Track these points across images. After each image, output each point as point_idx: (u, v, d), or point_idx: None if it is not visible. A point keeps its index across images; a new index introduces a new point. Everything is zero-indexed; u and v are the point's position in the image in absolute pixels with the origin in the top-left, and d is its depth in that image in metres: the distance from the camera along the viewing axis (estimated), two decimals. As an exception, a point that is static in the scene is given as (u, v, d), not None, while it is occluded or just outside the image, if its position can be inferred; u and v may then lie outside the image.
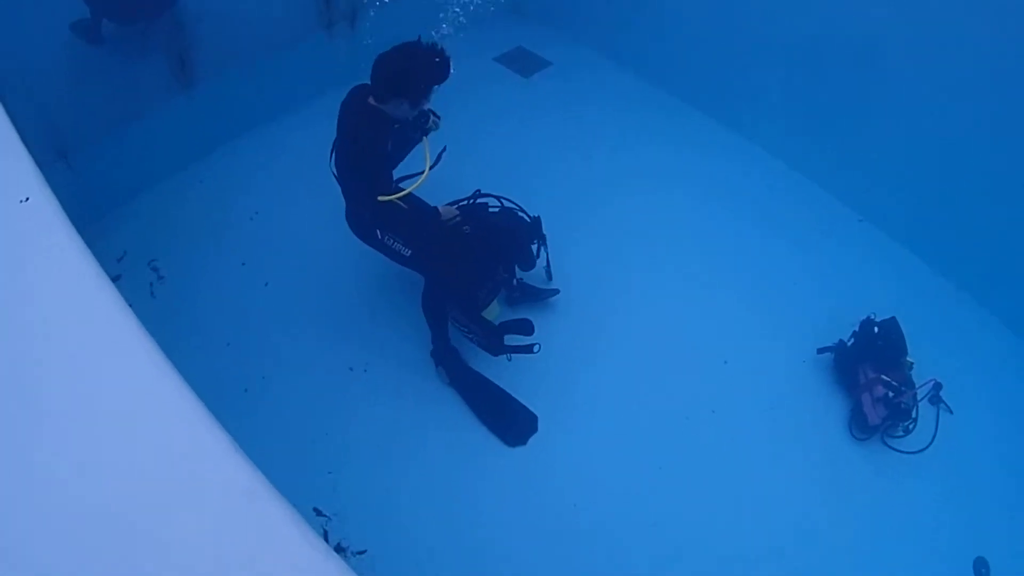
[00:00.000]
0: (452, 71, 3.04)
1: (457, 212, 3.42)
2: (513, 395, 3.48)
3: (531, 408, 3.45)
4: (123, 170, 4.09)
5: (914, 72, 4.10)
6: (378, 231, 3.34)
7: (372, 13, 4.75)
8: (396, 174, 3.23)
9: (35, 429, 1.11)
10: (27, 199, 1.39)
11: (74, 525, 1.01)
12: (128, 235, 3.99)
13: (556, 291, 3.91)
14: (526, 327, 3.44)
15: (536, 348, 3.42)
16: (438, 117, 3.32)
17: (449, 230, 3.41)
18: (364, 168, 3.07)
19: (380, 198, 3.02)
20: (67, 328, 1.23)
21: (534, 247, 3.74)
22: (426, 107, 3.17)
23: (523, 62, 5.72)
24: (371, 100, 3.06)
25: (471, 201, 3.65)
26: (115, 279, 3.80)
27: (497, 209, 3.70)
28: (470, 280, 3.47)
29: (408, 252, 3.34)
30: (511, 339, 3.44)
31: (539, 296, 3.88)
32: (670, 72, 5.46)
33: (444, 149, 3.31)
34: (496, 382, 3.52)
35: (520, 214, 3.71)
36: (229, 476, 1.07)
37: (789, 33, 4.55)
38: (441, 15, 4.06)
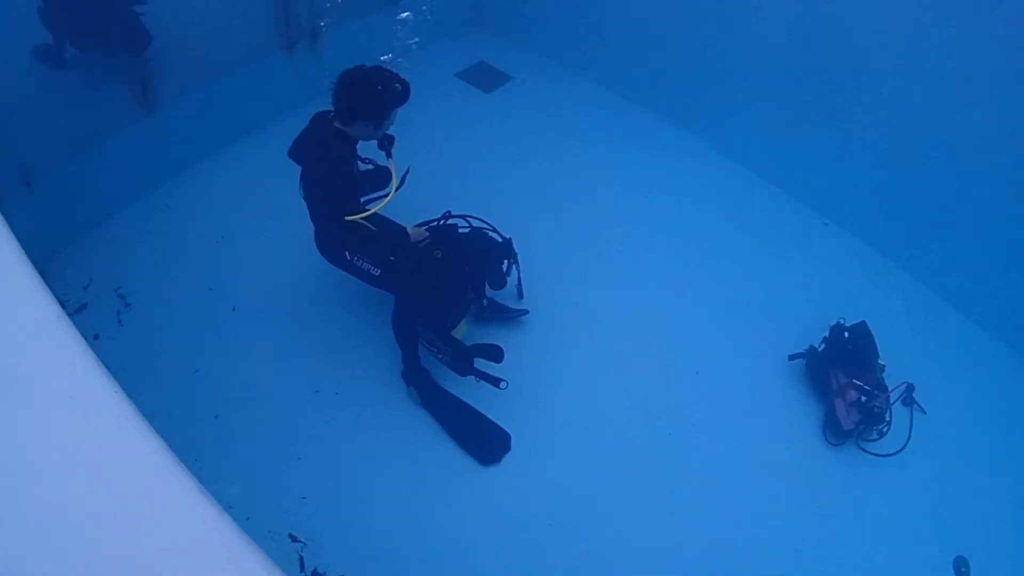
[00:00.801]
0: (411, 92, 3.11)
1: (427, 233, 3.42)
2: (485, 414, 3.46)
3: (504, 427, 3.43)
4: (87, 196, 4.03)
5: (872, 71, 4.17)
6: (347, 252, 3.37)
7: (332, 33, 4.75)
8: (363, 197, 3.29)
9: None
10: None
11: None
12: (94, 262, 3.93)
13: (525, 311, 3.90)
14: (496, 353, 3.44)
15: (503, 385, 3.38)
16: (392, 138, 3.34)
17: (419, 251, 3.42)
18: (332, 189, 3.13)
19: (348, 218, 3.06)
20: (24, 371, 1.22)
21: (504, 266, 3.73)
22: (389, 128, 3.22)
23: (484, 76, 5.74)
24: (336, 123, 3.13)
25: (441, 222, 3.64)
26: (81, 307, 3.80)
27: (467, 229, 3.69)
28: (440, 300, 3.46)
29: (377, 272, 3.37)
30: (480, 364, 3.44)
31: (509, 315, 3.88)
32: (631, 80, 5.51)
33: (408, 170, 3.39)
34: (468, 401, 3.50)
35: (491, 234, 3.70)
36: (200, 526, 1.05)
37: (749, 36, 4.62)
38: (398, 29, 4.04)
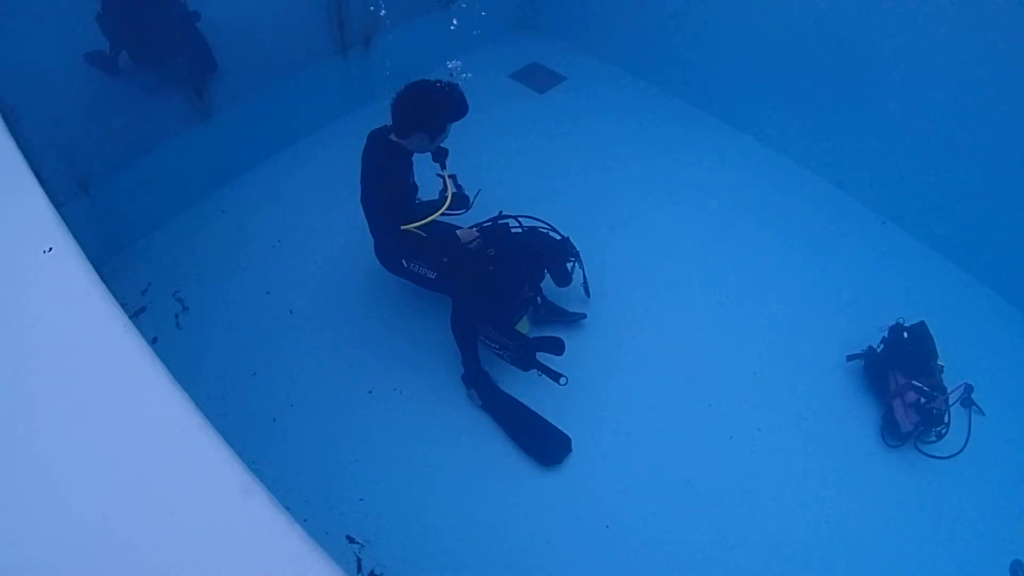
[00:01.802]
0: (466, 92, 3.18)
1: (477, 234, 3.43)
2: (545, 417, 3.46)
3: (564, 430, 3.42)
4: (144, 201, 4.09)
5: (942, 72, 4.09)
6: (404, 260, 3.46)
7: (387, 37, 4.77)
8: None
9: (65, 481, 1.11)
10: (50, 249, 1.39)
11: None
12: (152, 266, 4.00)
13: (583, 315, 3.90)
14: (557, 346, 3.46)
15: (563, 381, 3.39)
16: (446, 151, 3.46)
17: (470, 252, 3.45)
18: (387, 199, 3.23)
19: (403, 227, 3.16)
20: (95, 380, 1.24)
21: (569, 265, 3.74)
22: (443, 142, 3.33)
23: (538, 77, 5.74)
24: (392, 136, 3.22)
25: (493, 223, 3.65)
26: (140, 311, 3.86)
27: (519, 229, 3.70)
28: (497, 296, 3.46)
29: (433, 275, 3.44)
30: (542, 357, 3.45)
31: (565, 318, 3.88)
32: (685, 80, 5.48)
33: (479, 192, 3.55)
34: (527, 405, 3.50)
35: (548, 233, 3.71)
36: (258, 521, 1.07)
37: (808, 37, 4.56)
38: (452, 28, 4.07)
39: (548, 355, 3.48)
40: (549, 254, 3.66)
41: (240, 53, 4.24)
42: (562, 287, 3.80)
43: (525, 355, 3.40)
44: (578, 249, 3.74)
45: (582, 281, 3.85)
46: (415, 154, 3.35)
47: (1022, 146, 3.93)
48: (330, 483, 3.19)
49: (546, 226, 3.72)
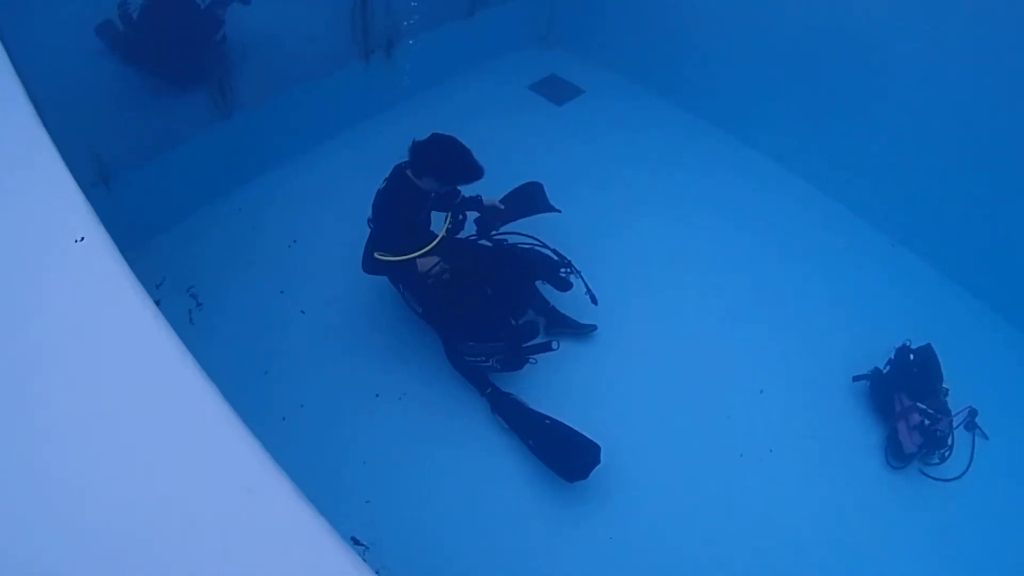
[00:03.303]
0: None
1: (436, 261, 3.42)
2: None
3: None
4: (163, 196, 4.12)
5: (954, 100, 4.11)
6: (400, 285, 3.61)
7: (409, 42, 4.81)
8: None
9: (97, 460, 1.14)
10: (82, 239, 1.41)
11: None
12: (167, 261, 4.02)
13: (593, 327, 3.92)
14: (535, 336, 3.54)
15: (555, 345, 3.49)
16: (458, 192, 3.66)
17: (431, 280, 3.47)
18: (382, 222, 3.39)
19: (376, 254, 3.34)
20: (128, 367, 1.27)
21: (564, 273, 3.76)
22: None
23: (556, 89, 5.77)
24: (408, 171, 3.35)
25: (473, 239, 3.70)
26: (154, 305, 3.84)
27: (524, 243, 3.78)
28: (476, 319, 3.49)
29: (420, 310, 3.59)
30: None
31: (577, 330, 3.91)
32: (701, 96, 5.50)
33: (464, 217, 3.63)
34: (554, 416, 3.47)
35: (536, 248, 3.77)
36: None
37: (822, 57, 4.59)
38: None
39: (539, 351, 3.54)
40: (539, 270, 3.72)
41: (264, 55, 4.30)
42: (563, 291, 3.82)
43: (513, 354, 3.44)
44: (581, 259, 3.77)
45: (586, 291, 3.84)
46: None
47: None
48: (337, 484, 3.21)
49: (534, 241, 3.77)
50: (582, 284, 3.80)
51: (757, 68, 5.01)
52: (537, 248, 3.75)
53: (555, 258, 3.73)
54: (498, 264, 3.61)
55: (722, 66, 5.23)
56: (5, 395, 1.20)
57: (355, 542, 2.99)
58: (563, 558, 3.12)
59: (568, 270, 3.76)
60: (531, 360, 3.50)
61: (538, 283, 3.83)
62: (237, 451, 1.16)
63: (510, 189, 3.96)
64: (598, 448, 3.24)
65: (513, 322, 3.52)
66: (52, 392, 1.22)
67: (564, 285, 3.77)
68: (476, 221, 3.80)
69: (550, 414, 3.41)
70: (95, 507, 1.09)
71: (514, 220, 3.88)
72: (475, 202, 3.77)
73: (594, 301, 3.88)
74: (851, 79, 4.52)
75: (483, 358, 3.51)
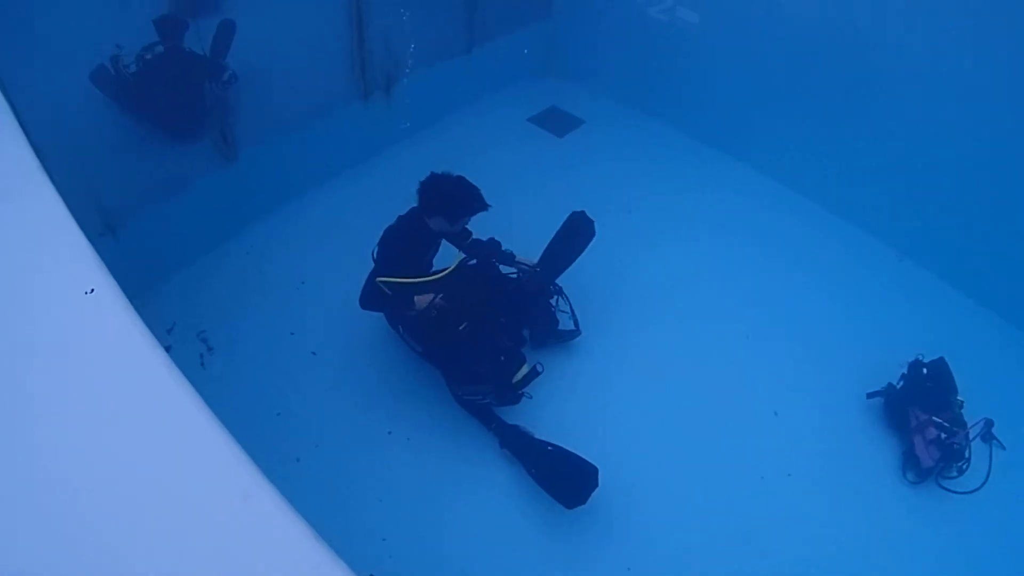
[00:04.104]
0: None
1: (429, 298, 3.43)
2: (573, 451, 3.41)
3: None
4: (170, 241, 4.15)
5: (957, 105, 4.13)
6: (400, 327, 3.67)
7: (407, 82, 4.86)
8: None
9: (112, 512, 1.15)
10: (92, 291, 1.42)
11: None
12: (177, 306, 4.04)
13: (577, 332, 3.95)
14: (531, 374, 3.51)
15: (540, 368, 3.47)
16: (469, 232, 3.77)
17: (429, 316, 3.48)
18: (385, 252, 3.41)
19: (378, 279, 3.32)
20: (138, 413, 1.28)
21: (553, 301, 3.85)
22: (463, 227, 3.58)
23: (557, 121, 5.82)
24: (418, 211, 3.43)
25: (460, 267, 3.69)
26: (165, 351, 3.84)
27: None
28: (475, 356, 3.50)
29: (420, 348, 3.64)
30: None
31: (561, 338, 3.95)
32: (703, 121, 5.55)
33: (462, 258, 3.64)
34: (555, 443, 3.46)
35: (523, 275, 3.84)
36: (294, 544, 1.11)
37: (818, 75, 4.63)
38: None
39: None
40: (528, 298, 3.77)
41: (264, 97, 4.33)
42: (554, 328, 3.92)
43: (504, 387, 3.45)
44: (584, 285, 3.83)
45: (571, 314, 3.92)
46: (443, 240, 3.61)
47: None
48: (353, 522, 3.20)
49: (522, 268, 3.84)
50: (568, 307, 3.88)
51: (753, 88, 5.06)
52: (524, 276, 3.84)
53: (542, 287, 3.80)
54: (494, 301, 3.66)
55: (719, 89, 5.28)
56: (18, 449, 1.22)
57: (372, 579, 3.00)
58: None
59: (556, 296, 3.85)
60: (526, 395, 3.50)
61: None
62: (252, 495, 1.16)
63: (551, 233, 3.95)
64: (595, 470, 3.21)
65: (501, 358, 3.52)
66: (67, 443, 1.23)
67: (553, 320, 3.91)
68: (526, 282, 3.85)
69: (558, 442, 3.40)
70: (110, 557, 1.10)
71: (571, 262, 3.89)
72: (506, 256, 3.83)
73: (576, 328, 3.94)
74: (848, 97, 4.56)
75: (480, 396, 3.54)
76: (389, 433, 3.59)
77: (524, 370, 3.48)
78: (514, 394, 3.47)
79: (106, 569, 1.08)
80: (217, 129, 4.18)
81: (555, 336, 3.94)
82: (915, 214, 4.58)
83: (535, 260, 3.83)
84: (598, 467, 3.22)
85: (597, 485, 3.19)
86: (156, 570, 1.08)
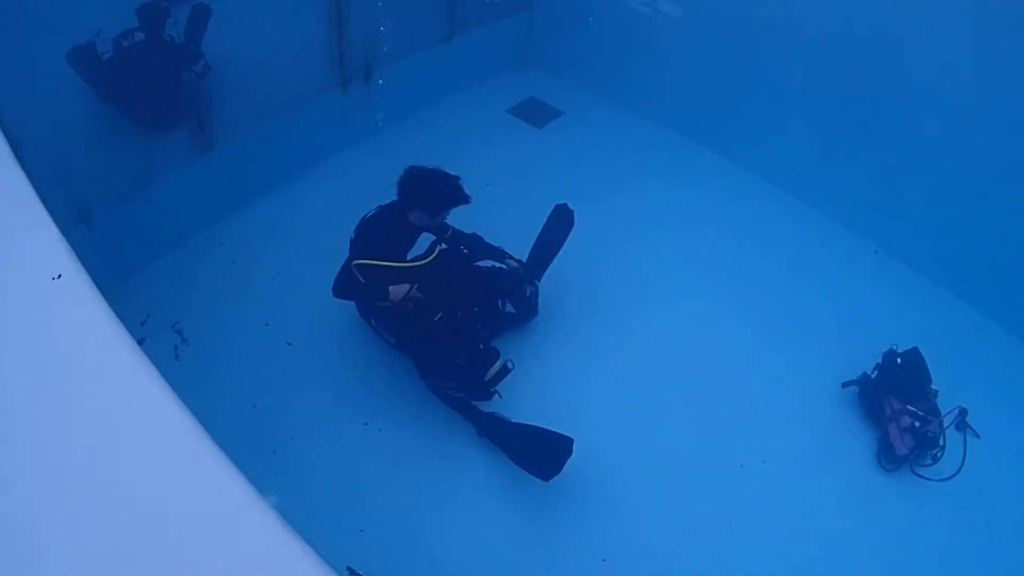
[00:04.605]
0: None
1: (405, 288, 3.42)
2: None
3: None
4: (144, 232, 4.11)
5: (928, 101, 4.18)
6: (372, 320, 3.68)
7: (385, 70, 4.83)
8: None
9: (71, 501, 1.12)
10: (59, 276, 1.40)
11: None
12: (151, 298, 3.98)
13: (534, 314, 3.98)
14: (498, 363, 3.49)
15: (511, 365, 3.45)
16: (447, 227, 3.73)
17: (402, 307, 3.48)
18: (361, 237, 3.42)
19: (355, 261, 3.32)
20: (105, 404, 1.24)
21: (528, 291, 3.85)
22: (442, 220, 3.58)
23: (536, 112, 5.82)
24: (398, 204, 3.42)
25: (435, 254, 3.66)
26: (139, 343, 3.79)
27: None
28: (450, 348, 3.50)
29: (393, 340, 3.65)
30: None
31: (515, 320, 3.96)
32: (681, 113, 5.57)
33: (441, 247, 3.60)
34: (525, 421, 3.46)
35: (501, 264, 3.85)
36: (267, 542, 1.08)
37: (796, 71, 4.67)
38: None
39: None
40: (503, 286, 3.78)
41: (241, 87, 4.29)
42: (531, 319, 3.93)
43: (476, 386, 3.45)
44: (565, 277, 3.87)
45: (535, 295, 3.93)
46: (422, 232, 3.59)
47: (1007, 172, 4.01)
48: (330, 514, 3.18)
49: (501, 258, 3.85)
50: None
51: (732, 82, 5.09)
52: (504, 268, 3.84)
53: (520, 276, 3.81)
54: (469, 291, 3.67)
55: (698, 81, 5.31)
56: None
57: (351, 572, 2.97)
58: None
59: (532, 288, 3.86)
60: (497, 393, 3.49)
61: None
62: (223, 487, 1.13)
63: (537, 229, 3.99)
64: (570, 441, 3.20)
65: (480, 347, 3.52)
66: (27, 429, 1.20)
67: (531, 311, 3.90)
68: (515, 272, 3.86)
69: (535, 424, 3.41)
70: (74, 550, 1.06)
71: (555, 254, 3.94)
72: (494, 252, 3.84)
73: (534, 312, 3.97)
74: (825, 90, 4.61)
75: (452, 390, 3.53)
76: (365, 424, 3.57)
77: (497, 366, 3.47)
78: (486, 392, 3.46)
79: (66, 562, 1.06)
80: (193, 118, 4.13)
81: (509, 322, 3.95)
82: (890, 207, 4.62)
83: (519, 256, 3.86)
84: (573, 439, 3.21)
85: (571, 454, 3.17)
86: (124, 563, 1.06)
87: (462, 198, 3.37)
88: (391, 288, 3.38)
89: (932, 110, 4.18)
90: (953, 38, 3.96)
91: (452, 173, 3.39)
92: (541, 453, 3.26)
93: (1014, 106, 3.87)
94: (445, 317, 3.52)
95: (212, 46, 4.04)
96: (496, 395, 3.49)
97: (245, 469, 1.15)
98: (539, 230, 3.94)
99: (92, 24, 3.63)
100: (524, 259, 3.87)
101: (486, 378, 3.42)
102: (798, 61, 4.64)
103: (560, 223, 3.92)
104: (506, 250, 3.87)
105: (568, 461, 3.16)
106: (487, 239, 3.89)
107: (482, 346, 3.53)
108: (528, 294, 3.87)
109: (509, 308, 3.89)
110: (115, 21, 3.77)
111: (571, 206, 3.92)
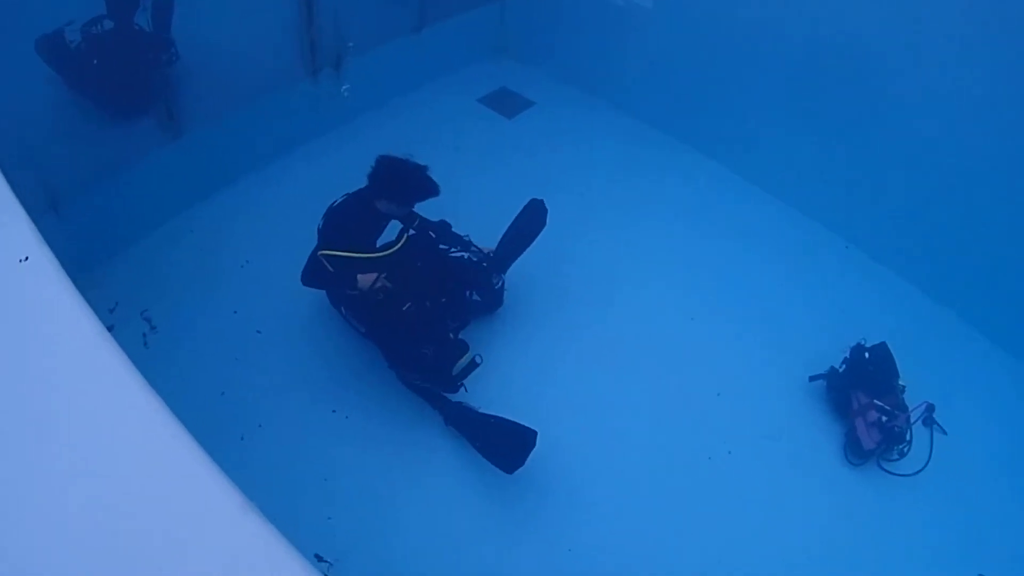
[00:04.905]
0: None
1: (372, 277, 3.42)
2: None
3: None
4: (113, 220, 4.08)
5: (899, 96, 4.19)
6: (342, 307, 3.68)
7: (355, 59, 4.81)
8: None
9: (42, 485, 1.12)
10: (26, 258, 1.39)
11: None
12: (120, 285, 3.96)
13: (498, 304, 3.99)
14: (465, 354, 3.49)
15: (479, 359, 3.46)
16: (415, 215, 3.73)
17: (371, 296, 3.47)
18: (328, 226, 3.43)
19: (321, 252, 3.34)
20: (71, 383, 1.24)
21: (495, 282, 3.84)
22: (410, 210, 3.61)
23: (507, 102, 5.81)
24: (366, 192, 3.43)
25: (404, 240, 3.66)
26: (108, 330, 3.78)
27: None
28: (419, 338, 3.48)
29: (363, 329, 3.63)
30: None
31: (481, 309, 3.97)
32: (652, 106, 5.59)
33: (409, 233, 3.64)
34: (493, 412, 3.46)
35: (467, 254, 3.84)
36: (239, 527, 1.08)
37: (768, 65, 4.67)
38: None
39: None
40: (469, 277, 3.77)
41: (210, 74, 4.26)
42: (496, 309, 3.95)
43: (444, 379, 3.43)
44: (535, 268, 3.88)
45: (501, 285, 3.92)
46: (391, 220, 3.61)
47: (975, 171, 4.03)
48: (298, 502, 3.18)
49: (470, 246, 3.84)
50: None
51: (703, 74, 5.11)
52: (471, 258, 3.83)
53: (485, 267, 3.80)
54: (438, 281, 3.65)
55: (669, 74, 5.32)
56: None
57: (319, 559, 2.98)
58: (525, 571, 3.10)
59: (499, 280, 3.84)
60: (463, 386, 3.47)
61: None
62: (191, 472, 1.13)
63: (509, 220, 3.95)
64: (533, 433, 3.20)
65: (450, 336, 3.53)
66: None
67: (496, 301, 3.91)
68: (486, 263, 3.83)
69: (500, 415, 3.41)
70: (40, 538, 1.06)
71: (523, 250, 3.91)
72: (461, 240, 3.84)
73: (499, 302, 3.99)
74: (795, 84, 4.62)
75: (419, 381, 3.54)
76: (333, 412, 3.57)
77: (465, 360, 3.47)
78: (452, 385, 3.45)
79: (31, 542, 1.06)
80: (162, 106, 4.10)
81: (480, 309, 3.96)
82: (862, 204, 4.65)
83: (488, 247, 3.84)
84: (537, 431, 3.21)
85: (534, 446, 3.17)
86: (91, 547, 1.06)
87: (432, 190, 3.39)
88: (359, 276, 3.37)
89: (905, 110, 4.19)
90: (925, 42, 3.98)
91: (421, 163, 3.40)
92: (505, 445, 3.27)
93: (984, 107, 3.89)
94: (414, 307, 3.50)
95: (182, 33, 4.02)
96: (463, 388, 3.47)
97: (214, 455, 1.15)
98: (510, 221, 3.91)
99: (61, 13, 3.62)
100: (492, 249, 3.85)
101: (454, 372, 3.41)
102: (773, 57, 4.64)
103: (533, 219, 3.90)
104: (472, 240, 3.86)
105: (532, 453, 3.16)
106: (456, 229, 3.89)
107: (452, 335, 3.53)
108: (497, 285, 3.85)
109: (475, 297, 3.90)
110: (84, 9, 3.75)
111: (539, 196, 3.90)
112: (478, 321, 3.95)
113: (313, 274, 3.40)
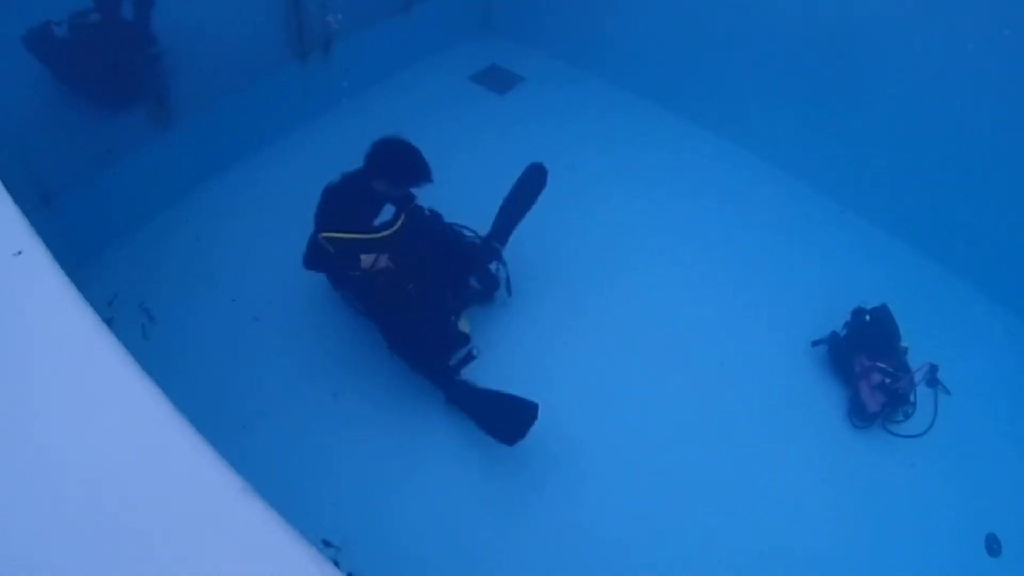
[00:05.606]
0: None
1: (372, 259, 3.40)
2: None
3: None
4: (108, 212, 4.06)
5: (890, 58, 4.17)
6: (341, 288, 3.70)
7: (344, 42, 4.77)
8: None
9: (40, 479, 1.10)
10: (20, 252, 1.38)
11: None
12: (117, 277, 3.95)
13: (497, 285, 3.95)
14: (466, 353, 3.55)
15: (475, 351, 3.50)
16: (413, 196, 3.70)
17: (375, 277, 3.45)
18: (326, 205, 3.42)
19: (322, 234, 3.32)
20: (68, 377, 1.22)
21: (493, 267, 3.83)
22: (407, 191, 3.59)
23: (498, 79, 5.77)
24: (364, 172, 3.41)
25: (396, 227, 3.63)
26: (107, 322, 3.77)
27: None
28: (418, 325, 3.48)
29: (362, 308, 3.64)
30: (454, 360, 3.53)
31: (483, 297, 3.96)
32: (643, 77, 5.55)
33: (403, 215, 3.60)
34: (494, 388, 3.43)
35: (466, 236, 3.82)
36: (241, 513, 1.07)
37: (758, 31, 4.65)
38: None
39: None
40: (470, 259, 3.75)
41: (198, 62, 4.21)
42: (490, 293, 3.93)
43: (440, 372, 3.44)
44: (531, 244, 3.85)
45: (505, 279, 3.90)
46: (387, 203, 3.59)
47: (969, 131, 4.03)
48: (303, 488, 3.18)
49: (464, 230, 3.84)
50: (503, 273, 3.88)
51: (692, 43, 5.08)
52: (470, 240, 3.81)
53: (486, 250, 3.79)
54: (440, 261, 3.63)
55: (659, 44, 5.29)
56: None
57: (326, 544, 2.99)
58: (530, 549, 3.11)
59: (497, 263, 3.83)
60: (459, 377, 3.47)
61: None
62: (194, 463, 1.12)
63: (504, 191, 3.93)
64: (534, 406, 3.19)
65: (452, 318, 3.57)
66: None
67: (492, 285, 3.89)
68: (483, 244, 3.82)
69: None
70: (41, 537, 1.04)
71: (524, 214, 3.89)
72: (453, 230, 3.83)
73: (509, 293, 3.94)
74: (786, 50, 4.59)
75: (417, 370, 3.51)
76: (335, 396, 3.56)
77: (463, 352, 3.51)
78: (448, 376, 3.45)
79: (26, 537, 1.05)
80: (151, 96, 4.07)
81: (480, 297, 3.95)
82: (856, 167, 4.64)
83: (482, 228, 3.83)
84: (538, 404, 3.19)
85: (535, 419, 3.16)
86: (92, 539, 1.04)
87: (425, 176, 3.38)
88: (362, 256, 3.36)
89: (898, 75, 4.17)
90: (917, 10, 3.97)
91: (415, 145, 3.39)
92: (507, 419, 3.25)
93: (977, 63, 3.87)
94: (416, 287, 3.50)
95: (168, 22, 3.97)
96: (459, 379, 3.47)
97: (216, 445, 1.14)
98: (505, 194, 3.89)
99: (49, 8, 3.58)
100: (485, 233, 3.84)
101: (452, 362, 3.44)
102: (763, 23, 4.62)
103: (532, 181, 3.88)
104: (467, 227, 3.86)
105: (533, 426, 3.15)
106: (450, 207, 3.88)
107: (454, 317, 3.55)
108: (495, 269, 3.84)
109: (475, 284, 3.89)
110: (70, 2, 3.71)
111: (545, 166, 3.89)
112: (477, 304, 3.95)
113: (315, 256, 3.40)
